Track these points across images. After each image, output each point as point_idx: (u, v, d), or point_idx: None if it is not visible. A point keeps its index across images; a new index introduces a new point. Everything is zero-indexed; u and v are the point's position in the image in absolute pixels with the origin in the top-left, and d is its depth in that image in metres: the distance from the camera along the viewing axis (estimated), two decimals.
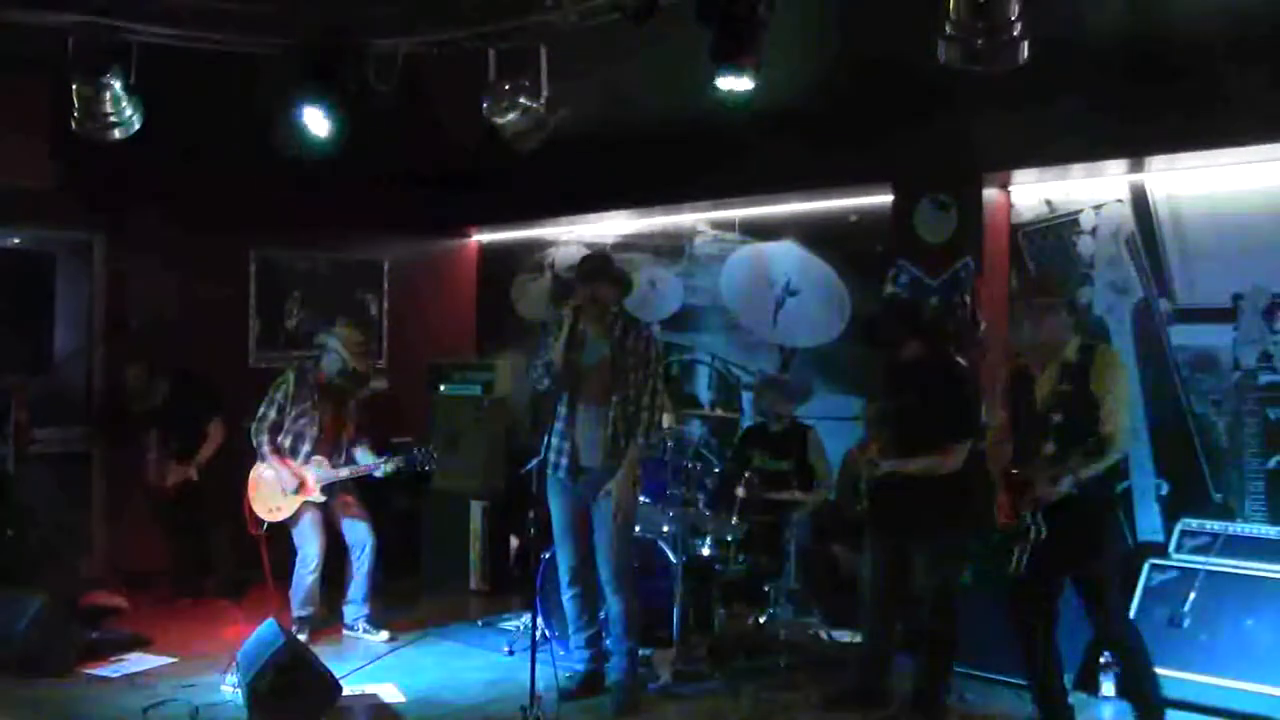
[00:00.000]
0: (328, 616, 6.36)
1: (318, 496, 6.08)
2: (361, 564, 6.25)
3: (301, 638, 5.83)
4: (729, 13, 4.08)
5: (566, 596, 5.28)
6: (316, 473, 6.09)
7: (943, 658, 4.94)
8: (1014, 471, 4.35)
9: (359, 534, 6.23)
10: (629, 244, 8.26)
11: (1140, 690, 4.40)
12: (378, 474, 6.15)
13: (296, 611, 6.17)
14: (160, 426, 6.92)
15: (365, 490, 7.01)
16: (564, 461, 5.12)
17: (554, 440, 5.11)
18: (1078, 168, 5.93)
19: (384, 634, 6.24)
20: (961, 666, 5.47)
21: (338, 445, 6.19)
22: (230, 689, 5.08)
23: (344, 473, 6.11)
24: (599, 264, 5.27)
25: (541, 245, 8.93)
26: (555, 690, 5.13)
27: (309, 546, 6.13)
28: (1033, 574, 4.31)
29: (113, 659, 5.72)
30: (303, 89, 4.92)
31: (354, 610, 6.29)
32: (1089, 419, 4.16)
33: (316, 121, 5.00)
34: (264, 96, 5.44)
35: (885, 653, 5.14)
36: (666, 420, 6.29)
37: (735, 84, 4.26)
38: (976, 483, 4.90)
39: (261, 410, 6.12)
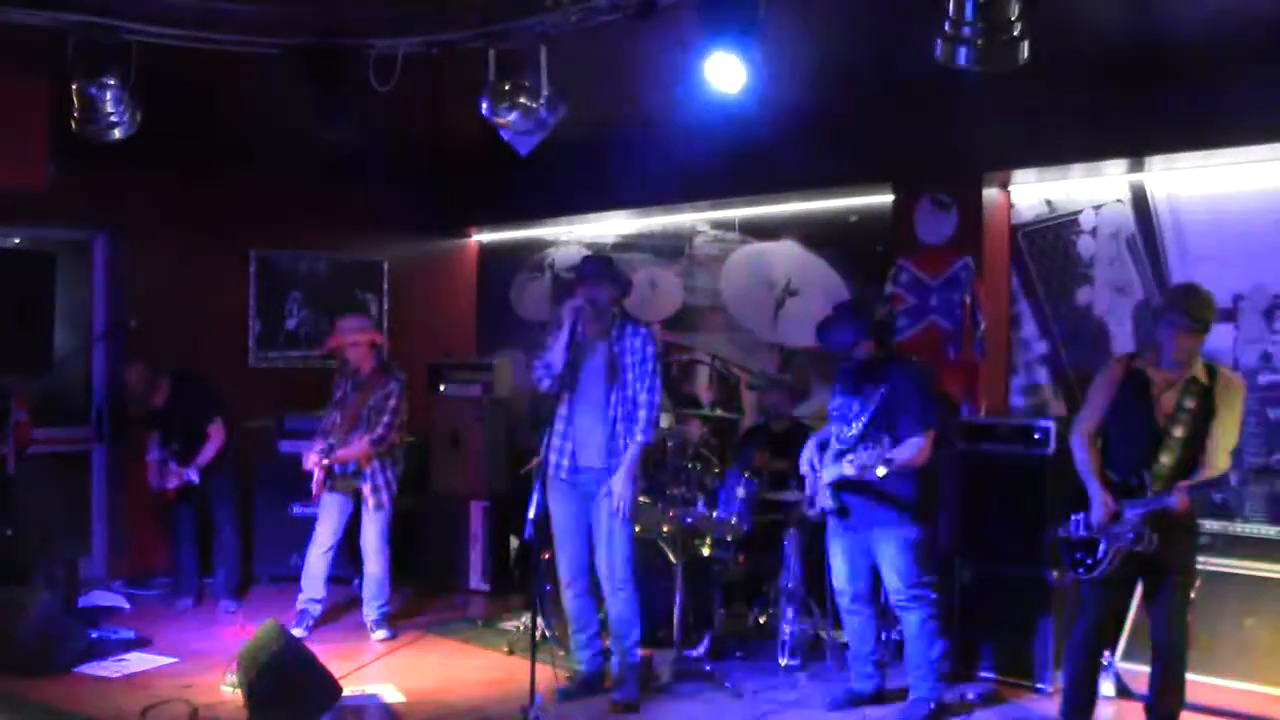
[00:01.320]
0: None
1: (316, 476, 6.16)
2: (365, 564, 6.33)
3: (298, 632, 5.88)
4: (729, 13, 4.08)
5: (567, 597, 5.28)
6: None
7: (926, 651, 4.93)
8: (1114, 477, 4.31)
9: (364, 536, 6.31)
10: (629, 244, 8.26)
11: (1166, 699, 4.37)
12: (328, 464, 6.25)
13: (299, 600, 6.30)
14: (161, 427, 6.93)
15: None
16: (564, 462, 5.12)
17: (554, 440, 5.12)
18: (1078, 168, 5.93)
19: (380, 633, 6.28)
20: (961, 667, 5.49)
21: (350, 433, 6.22)
22: (230, 689, 5.08)
23: (311, 459, 6.20)
24: (597, 265, 5.28)
25: (541, 245, 8.93)
26: (555, 690, 5.13)
27: (318, 525, 6.30)
28: (1119, 577, 4.30)
29: (113, 659, 5.73)
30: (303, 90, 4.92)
31: (365, 608, 6.39)
32: (1203, 438, 4.20)
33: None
34: (264, 96, 5.45)
35: (875, 650, 5.15)
36: (666, 420, 6.30)
37: (732, 78, 4.25)
38: (936, 474, 4.93)
39: None
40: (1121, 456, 4.36)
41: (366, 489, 6.23)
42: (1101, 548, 4.26)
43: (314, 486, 6.19)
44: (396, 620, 6.48)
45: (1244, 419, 4.37)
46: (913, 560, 4.87)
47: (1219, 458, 4.19)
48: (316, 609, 6.34)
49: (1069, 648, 4.56)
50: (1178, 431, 4.22)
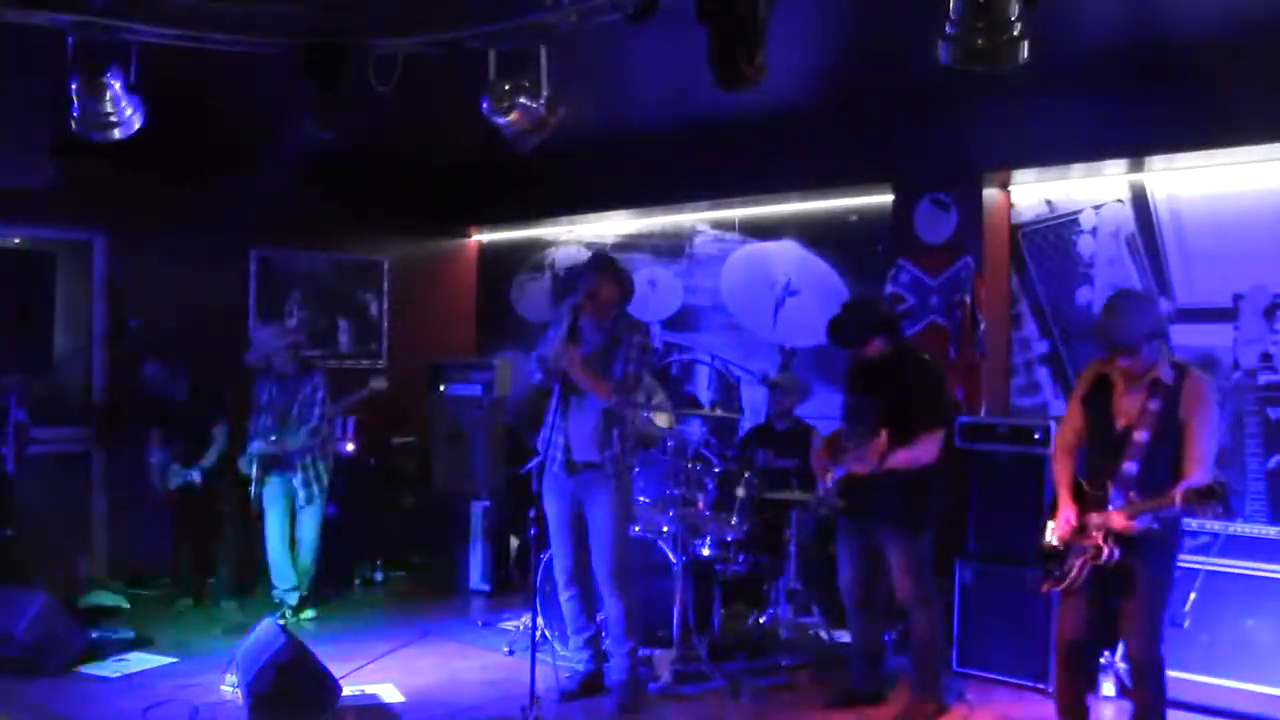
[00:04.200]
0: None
1: (254, 475, 6.48)
2: (299, 556, 6.66)
3: (280, 619, 6.07)
4: (730, 13, 4.07)
5: (564, 598, 5.27)
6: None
7: (931, 653, 4.95)
8: (1087, 487, 4.16)
9: (300, 529, 6.64)
10: (629, 244, 8.26)
11: (1144, 713, 4.27)
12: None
13: (275, 594, 6.61)
14: (166, 428, 6.94)
15: (363, 484, 7.24)
16: (558, 455, 5.11)
17: (550, 435, 5.10)
18: (1078, 168, 5.93)
19: (308, 613, 6.66)
20: (961, 667, 5.49)
21: (283, 432, 6.48)
22: (230, 689, 5.08)
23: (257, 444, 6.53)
24: (603, 262, 5.29)
25: (541, 245, 8.93)
26: (555, 690, 5.13)
27: (268, 521, 6.59)
28: (1088, 590, 4.15)
29: (113, 659, 5.73)
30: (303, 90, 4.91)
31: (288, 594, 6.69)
32: (1174, 443, 4.00)
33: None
34: (264, 96, 5.44)
35: (877, 650, 5.15)
36: (666, 420, 6.30)
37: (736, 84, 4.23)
38: (943, 475, 4.91)
39: None
40: (1092, 465, 4.23)
41: (298, 481, 6.55)
42: (1068, 559, 4.16)
43: (253, 488, 6.49)
44: (397, 620, 6.54)
45: (1220, 424, 4.20)
46: (922, 562, 4.87)
47: (1195, 468, 3.95)
48: (293, 596, 6.60)
49: (1054, 660, 4.49)
50: (1142, 436, 4.01)
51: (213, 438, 6.83)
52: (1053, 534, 4.26)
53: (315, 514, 6.65)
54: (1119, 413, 4.13)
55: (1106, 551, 4.03)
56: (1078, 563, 4.12)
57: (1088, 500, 4.16)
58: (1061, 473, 4.32)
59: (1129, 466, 4.03)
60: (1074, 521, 4.15)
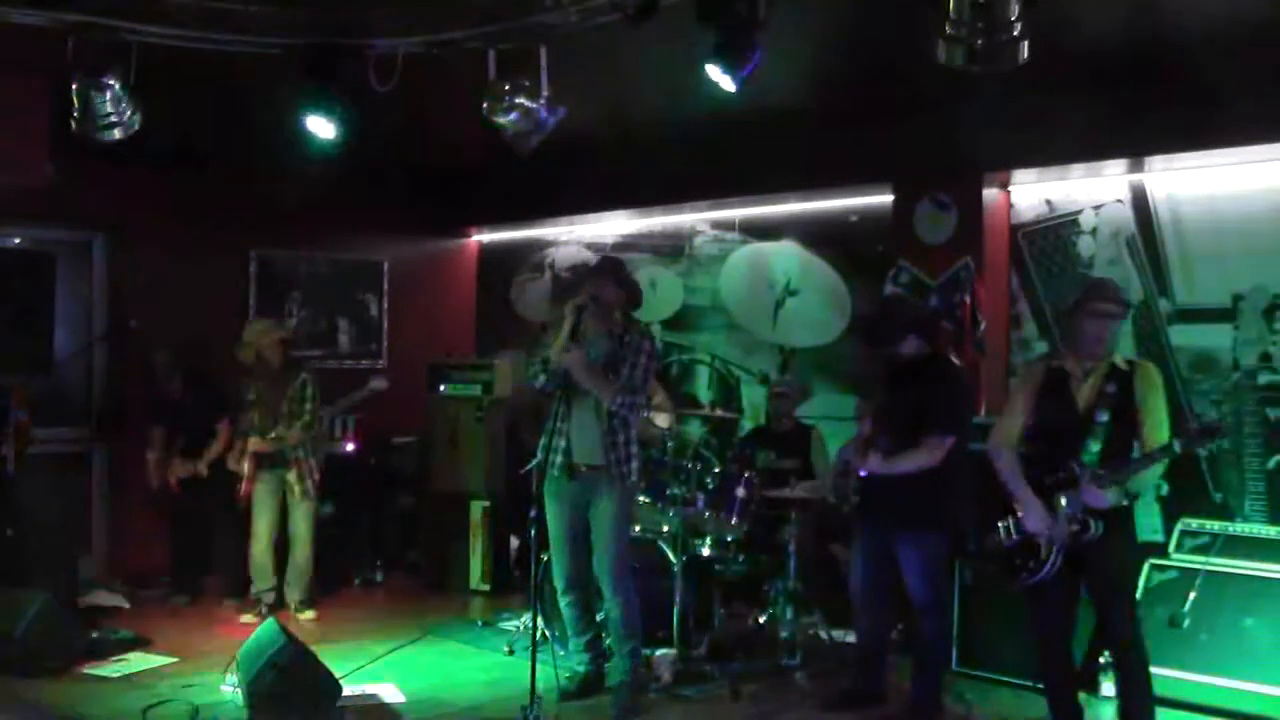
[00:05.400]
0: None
1: (247, 471, 6.55)
2: (293, 552, 6.68)
3: (250, 617, 6.34)
4: (729, 12, 4.08)
5: (564, 602, 5.27)
6: None
7: (936, 656, 4.94)
8: (1052, 473, 4.26)
9: (293, 524, 6.67)
10: (629, 244, 8.26)
11: (1131, 697, 4.31)
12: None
13: (252, 591, 6.67)
14: (170, 424, 6.95)
15: (362, 484, 7.22)
16: (559, 459, 5.10)
17: (550, 439, 5.10)
18: (1078, 168, 5.94)
19: (308, 614, 6.69)
20: (961, 667, 5.49)
21: (267, 425, 6.54)
22: (230, 689, 5.08)
23: (253, 442, 6.58)
24: (609, 264, 5.31)
25: (541, 245, 8.93)
26: (555, 690, 5.13)
27: (255, 522, 6.63)
28: (1062, 575, 4.24)
29: (113, 659, 5.72)
30: (303, 90, 4.91)
31: (290, 590, 6.73)
32: (1133, 424, 4.20)
33: (321, 126, 4.99)
34: (264, 97, 5.44)
35: (879, 651, 5.14)
36: (666, 420, 6.30)
37: (729, 82, 4.25)
38: (960, 479, 4.89)
39: None
40: (1049, 453, 4.32)
41: (292, 477, 6.59)
42: (1044, 548, 4.22)
43: (244, 484, 6.54)
44: (397, 620, 6.53)
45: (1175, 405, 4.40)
46: (935, 565, 4.86)
47: (1156, 432, 4.16)
48: (270, 596, 6.68)
49: (1043, 662, 4.50)
50: (1102, 417, 4.19)
51: (215, 433, 6.86)
52: (1008, 532, 4.36)
53: (310, 510, 6.68)
54: (1079, 399, 4.29)
55: (1093, 525, 4.14)
56: (1056, 547, 4.20)
57: (1046, 487, 4.26)
58: (1012, 466, 4.41)
59: (1093, 445, 4.19)
60: (1042, 508, 4.24)
